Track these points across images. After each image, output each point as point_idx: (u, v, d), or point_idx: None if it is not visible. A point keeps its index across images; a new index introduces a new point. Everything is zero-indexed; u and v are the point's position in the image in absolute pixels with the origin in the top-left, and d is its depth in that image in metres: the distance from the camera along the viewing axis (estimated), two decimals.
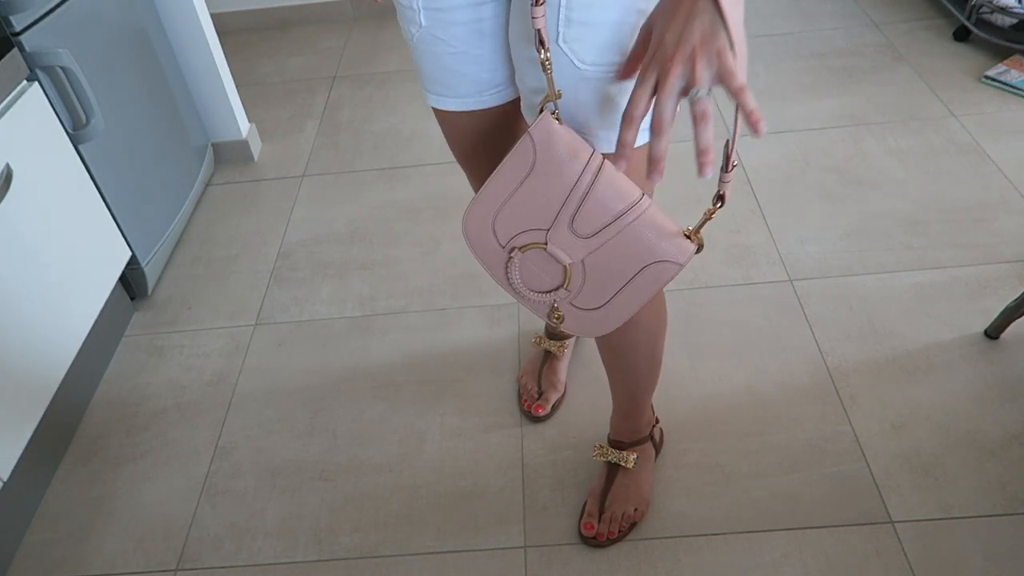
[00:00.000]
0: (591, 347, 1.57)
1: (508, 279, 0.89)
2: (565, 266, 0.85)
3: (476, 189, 1.19)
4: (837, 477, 1.31)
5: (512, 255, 0.87)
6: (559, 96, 0.81)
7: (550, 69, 0.79)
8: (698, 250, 0.81)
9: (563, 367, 1.50)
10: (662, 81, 0.67)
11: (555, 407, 1.46)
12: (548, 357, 1.50)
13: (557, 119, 0.80)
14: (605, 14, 0.77)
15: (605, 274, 0.84)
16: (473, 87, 0.97)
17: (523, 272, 0.88)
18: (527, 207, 0.84)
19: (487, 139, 1.06)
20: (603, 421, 1.41)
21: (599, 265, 0.84)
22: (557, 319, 0.90)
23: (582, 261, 0.84)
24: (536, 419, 1.45)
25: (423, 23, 0.91)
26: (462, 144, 1.08)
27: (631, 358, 1.16)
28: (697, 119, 0.69)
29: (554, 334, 1.52)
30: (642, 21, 0.77)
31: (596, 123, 0.84)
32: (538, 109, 0.86)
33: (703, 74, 0.66)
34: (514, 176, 0.83)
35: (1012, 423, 1.36)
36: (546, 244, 0.84)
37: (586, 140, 0.84)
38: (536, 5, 0.76)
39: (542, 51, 0.77)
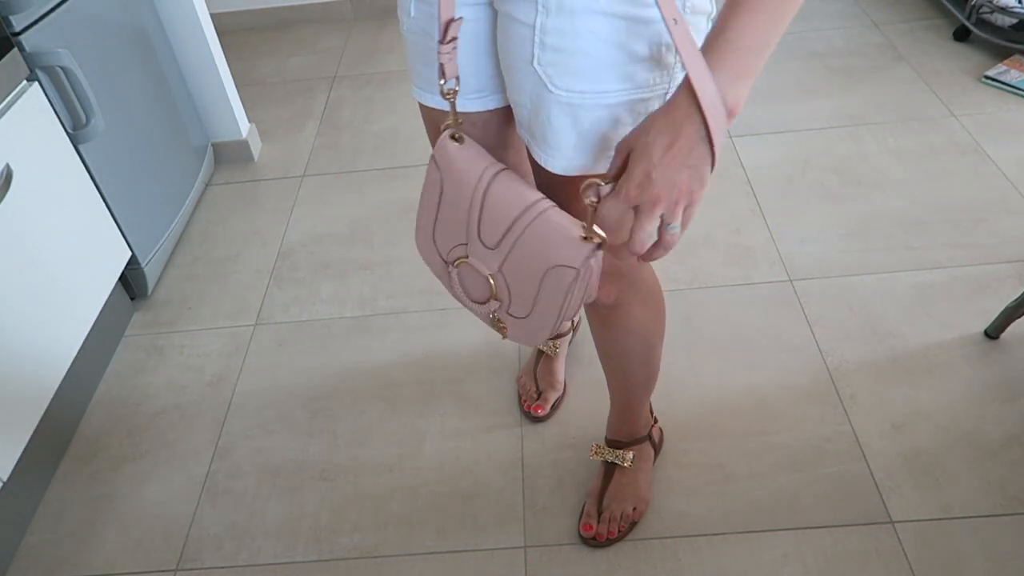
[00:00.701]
0: (591, 347, 1.57)
1: (453, 291, 0.93)
2: (487, 277, 0.87)
3: None
4: (837, 477, 1.31)
5: (450, 269, 0.91)
6: (459, 124, 0.85)
7: (451, 99, 0.84)
8: (599, 246, 0.76)
9: (559, 366, 1.50)
10: (643, 215, 0.68)
11: (555, 406, 1.46)
12: (542, 356, 1.50)
13: (457, 139, 0.85)
14: (579, 43, 0.76)
15: (521, 283, 0.85)
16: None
17: (463, 284, 0.91)
18: (450, 224, 0.88)
19: None
20: (603, 421, 1.41)
21: (513, 274, 0.85)
22: (501, 329, 0.90)
23: (500, 271, 0.86)
24: (536, 419, 1.45)
25: (412, 13, 0.90)
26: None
27: (626, 363, 1.16)
28: (666, 246, 0.71)
29: None
30: (619, 56, 0.76)
31: (567, 144, 0.83)
32: (526, 126, 0.86)
33: (679, 214, 0.68)
34: (432, 199, 0.88)
35: (1012, 423, 1.36)
36: (467, 257, 0.88)
37: (555, 160, 0.85)
38: (443, 43, 0.79)
39: (443, 81, 0.82)
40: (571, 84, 0.78)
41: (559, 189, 0.88)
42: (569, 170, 0.85)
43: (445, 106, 0.97)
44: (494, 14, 0.86)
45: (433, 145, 1.09)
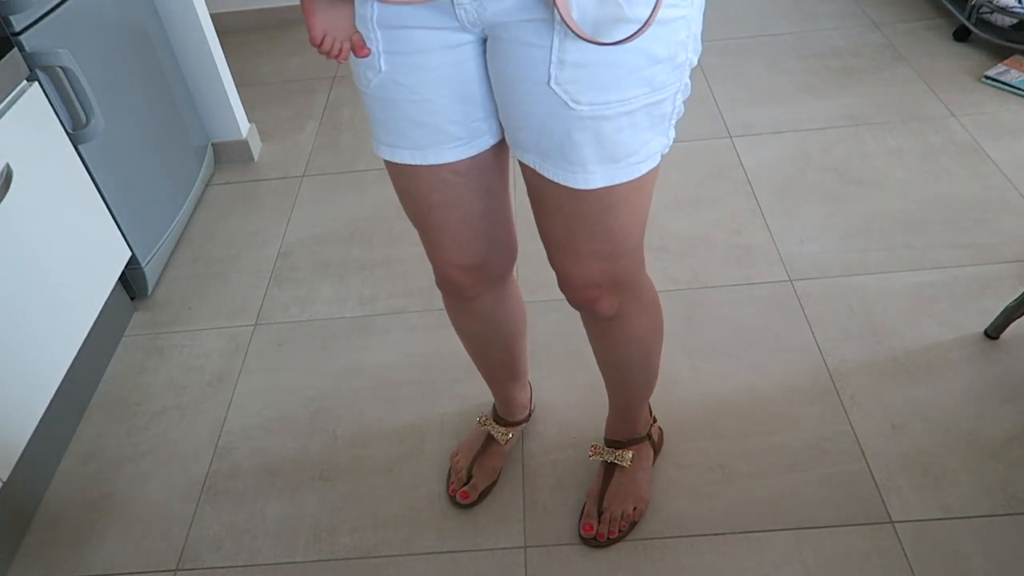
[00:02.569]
0: (590, 347, 1.57)
1: None
2: None
3: (434, 251, 1.04)
4: (837, 477, 1.31)
5: None
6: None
7: None
8: None
9: (504, 454, 1.37)
10: None
11: (483, 494, 1.34)
12: (489, 442, 1.36)
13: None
14: (603, 55, 0.74)
15: None
16: (433, 138, 0.89)
17: None
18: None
19: (447, 197, 0.95)
20: (602, 421, 1.41)
21: None
22: None
23: None
24: (460, 505, 1.34)
25: (383, 68, 0.84)
26: (418, 202, 0.97)
27: (625, 370, 1.16)
28: None
29: (503, 419, 1.39)
30: (641, 61, 0.75)
31: (589, 158, 0.82)
32: (533, 149, 0.83)
33: None
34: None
35: (1012, 423, 1.36)
36: None
37: (577, 176, 0.83)
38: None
39: None
40: (594, 97, 0.77)
41: (580, 204, 0.87)
42: (592, 183, 0.84)
43: (427, 160, 0.91)
44: (480, 50, 0.84)
45: (408, 207, 0.99)
